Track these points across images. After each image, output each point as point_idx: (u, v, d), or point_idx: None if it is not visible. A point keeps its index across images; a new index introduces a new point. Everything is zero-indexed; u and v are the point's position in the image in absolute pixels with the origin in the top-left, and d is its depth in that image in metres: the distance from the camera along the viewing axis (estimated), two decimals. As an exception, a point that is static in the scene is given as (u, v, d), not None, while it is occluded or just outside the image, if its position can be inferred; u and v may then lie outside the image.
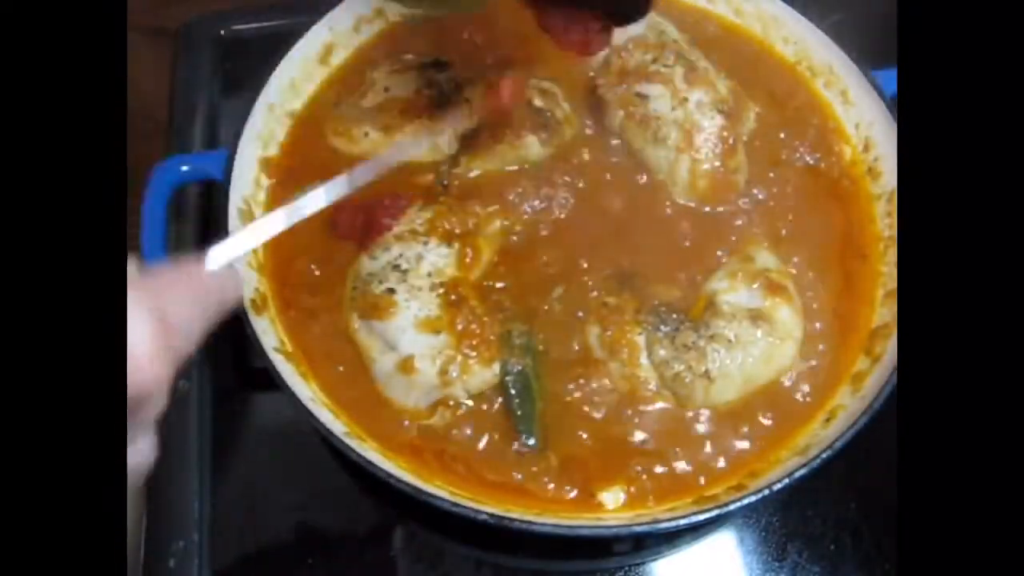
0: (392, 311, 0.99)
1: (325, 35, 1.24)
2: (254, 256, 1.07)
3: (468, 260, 1.05)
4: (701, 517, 0.90)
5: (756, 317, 1.01)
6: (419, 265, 1.03)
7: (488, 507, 0.91)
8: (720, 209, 1.13)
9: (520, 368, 1.00)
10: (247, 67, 1.21)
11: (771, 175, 1.16)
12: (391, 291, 1.00)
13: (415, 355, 0.98)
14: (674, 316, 1.02)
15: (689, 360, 0.99)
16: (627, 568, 1.04)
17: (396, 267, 1.02)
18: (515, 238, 1.10)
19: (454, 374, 0.98)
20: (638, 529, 0.91)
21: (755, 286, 1.03)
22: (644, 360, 1.01)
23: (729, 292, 1.03)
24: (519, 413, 0.98)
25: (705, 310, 1.03)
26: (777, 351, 1.01)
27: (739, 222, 1.12)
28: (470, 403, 1.00)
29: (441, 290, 1.01)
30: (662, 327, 1.01)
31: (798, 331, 1.03)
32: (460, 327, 0.99)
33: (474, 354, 0.98)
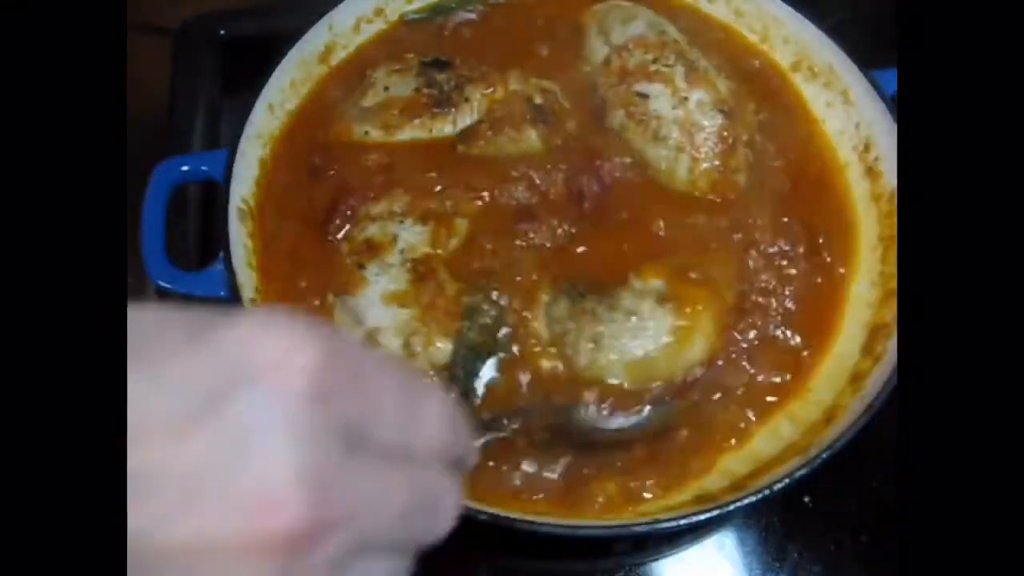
0: (362, 285, 1.00)
1: (325, 35, 1.24)
2: (255, 257, 1.06)
3: (443, 238, 1.05)
4: (701, 517, 0.90)
5: (664, 299, 1.00)
6: (394, 243, 1.04)
7: (488, 507, 0.91)
8: (719, 203, 1.13)
9: (472, 341, 0.98)
10: (247, 67, 1.21)
11: (770, 175, 1.16)
12: (361, 266, 1.01)
13: (380, 328, 0.98)
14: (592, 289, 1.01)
15: (583, 324, 0.99)
16: (627, 568, 1.03)
17: (370, 243, 1.03)
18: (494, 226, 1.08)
19: (418, 348, 0.97)
20: (638, 529, 0.91)
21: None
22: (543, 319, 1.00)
23: (646, 278, 1.03)
24: (464, 389, 0.97)
25: (617, 286, 1.02)
26: (682, 339, 0.99)
27: (738, 221, 1.12)
28: (435, 378, 0.97)
29: (410, 265, 1.02)
30: (572, 292, 1.01)
31: (709, 327, 1.01)
32: (425, 300, 0.99)
33: (435, 326, 0.98)
